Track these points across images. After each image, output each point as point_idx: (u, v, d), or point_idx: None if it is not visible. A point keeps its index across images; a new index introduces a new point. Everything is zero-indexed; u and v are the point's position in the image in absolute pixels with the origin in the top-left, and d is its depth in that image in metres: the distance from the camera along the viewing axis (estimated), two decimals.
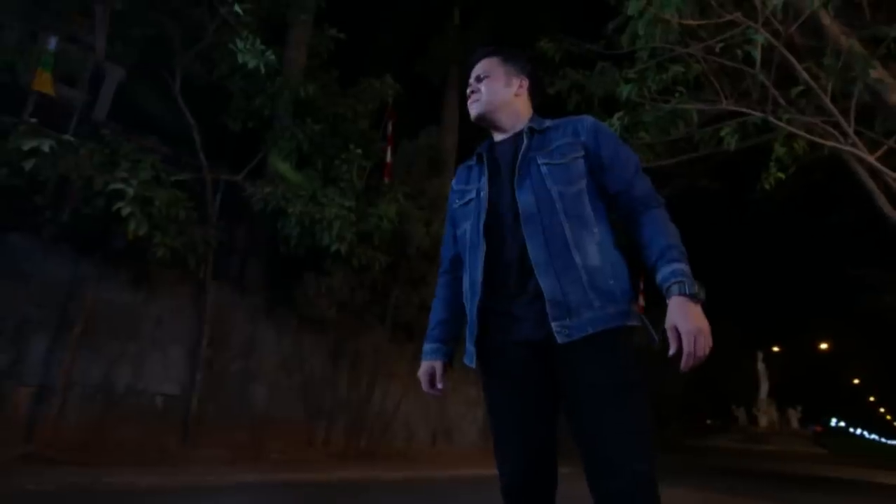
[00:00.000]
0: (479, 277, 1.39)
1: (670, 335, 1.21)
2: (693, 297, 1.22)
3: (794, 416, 32.45)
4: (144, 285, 5.90)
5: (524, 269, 1.33)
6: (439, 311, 1.57)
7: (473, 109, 1.55)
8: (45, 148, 4.24)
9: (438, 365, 1.52)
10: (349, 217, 6.14)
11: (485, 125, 1.58)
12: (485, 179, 1.46)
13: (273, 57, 5.49)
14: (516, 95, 1.54)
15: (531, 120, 1.52)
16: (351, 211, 6.22)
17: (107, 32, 5.81)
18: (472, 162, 1.57)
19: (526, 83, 1.56)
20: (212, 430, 6.15)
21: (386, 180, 7.73)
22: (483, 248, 1.40)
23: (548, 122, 1.50)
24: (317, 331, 7.43)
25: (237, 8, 5.12)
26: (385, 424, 8.07)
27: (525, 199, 1.37)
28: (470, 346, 1.43)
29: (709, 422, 33.55)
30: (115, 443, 5.33)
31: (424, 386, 1.52)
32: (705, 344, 1.19)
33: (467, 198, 1.52)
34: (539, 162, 1.41)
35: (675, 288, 1.23)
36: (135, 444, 5.45)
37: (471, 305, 1.42)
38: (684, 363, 1.19)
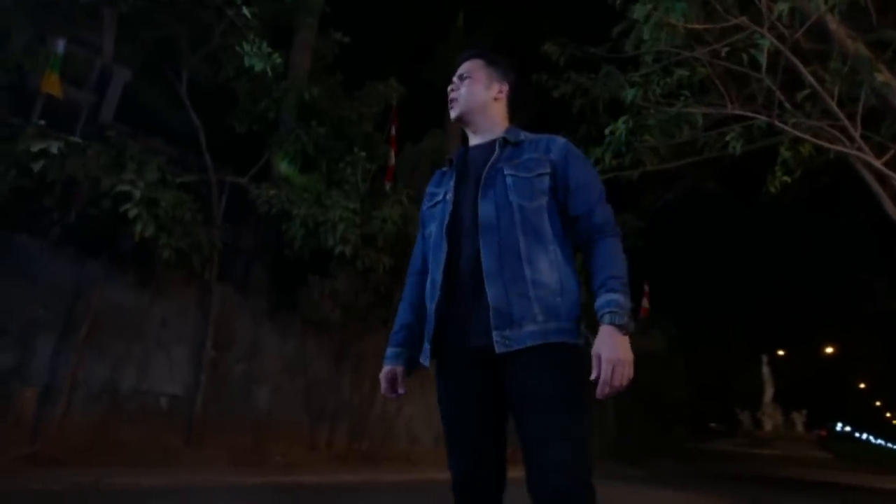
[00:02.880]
0: (440, 278, 1.42)
1: (594, 362, 1.25)
2: (621, 328, 1.27)
3: (798, 420, 32.26)
4: (150, 287, 5.93)
5: (478, 277, 1.36)
6: (404, 315, 1.59)
7: (453, 111, 1.59)
8: (54, 150, 4.28)
9: (399, 370, 1.55)
10: (353, 219, 6.16)
11: (462, 125, 1.62)
12: (452, 184, 1.51)
13: (280, 60, 5.52)
14: (495, 99, 1.58)
15: (507, 130, 1.54)
16: (355, 213, 6.24)
17: (114, 35, 5.85)
18: (446, 168, 1.62)
19: (506, 89, 1.60)
20: (215, 432, 6.16)
21: (387, 183, 7.75)
22: (445, 249, 1.43)
23: (523, 136, 1.53)
24: (320, 333, 7.44)
25: (245, 11, 5.14)
26: (388, 427, 8.07)
27: (485, 210, 1.40)
28: (426, 344, 1.47)
29: (713, 426, 33.38)
30: (120, 443, 5.35)
31: (384, 389, 1.56)
32: (623, 374, 1.23)
33: (435, 200, 1.56)
34: (505, 172, 1.44)
35: (606, 317, 1.28)
36: (138, 444, 5.47)
37: (430, 305, 1.46)
38: (599, 390, 1.24)
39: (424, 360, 1.48)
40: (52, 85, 5.49)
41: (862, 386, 39.52)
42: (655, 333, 12.96)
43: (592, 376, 1.25)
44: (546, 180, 1.43)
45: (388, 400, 8.06)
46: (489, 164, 1.47)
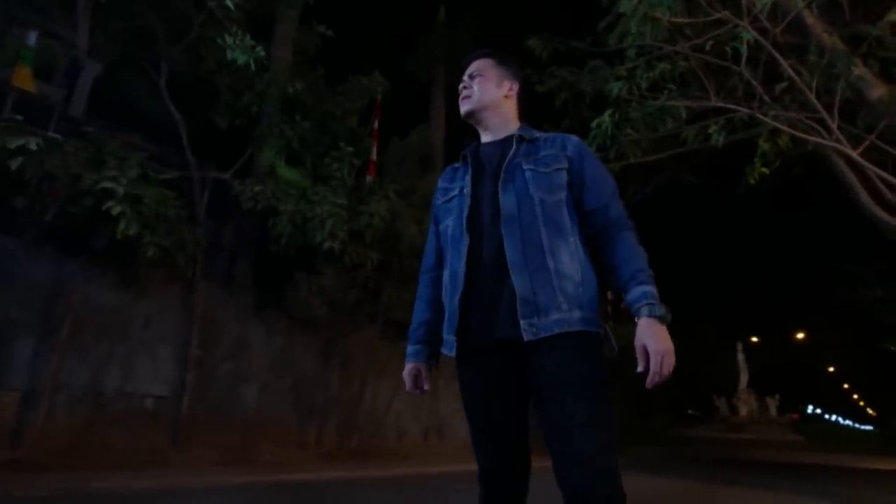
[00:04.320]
0: (462, 270, 1.43)
1: (639, 354, 1.29)
2: (661, 319, 1.31)
3: (772, 404, 33.32)
4: (132, 286, 5.79)
5: (500, 268, 1.38)
6: (423, 311, 1.60)
7: (464, 106, 1.60)
8: (33, 146, 4.12)
9: (423, 366, 1.57)
10: (341, 214, 6.10)
11: (472, 122, 1.63)
12: (468, 178, 1.52)
13: (263, 53, 5.41)
14: (506, 97, 1.60)
15: (521, 128, 1.58)
16: (343, 208, 6.19)
17: (88, 26, 5.65)
18: (458, 164, 1.63)
19: (517, 87, 1.62)
20: (202, 432, 6.07)
21: (370, 178, 7.69)
22: (466, 241, 1.44)
23: (537, 134, 1.56)
24: (307, 330, 7.37)
25: (228, 1, 5.01)
26: (377, 423, 8.05)
27: (507, 201, 1.42)
28: (449, 336, 1.47)
29: (691, 412, 34.25)
30: (105, 446, 5.23)
31: (409, 387, 1.57)
32: (670, 363, 1.28)
33: (450, 195, 1.57)
34: (524, 167, 1.47)
35: (644, 310, 1.31)
36: (124, 447, 5.36)
37: (451, 297, 1.46)
38: (650, 381, 1.28)
39: (449, 350, 1.49)
40: (23, 79, 5.29)
41: (831, 370, 40.99)
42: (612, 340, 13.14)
43: (640, 368, 1.28)
44: (563, 175, 1.47)
45: (376, 396, 8.05)
46: (507, 159, 1.49)
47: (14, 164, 4.09)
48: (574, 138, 1.55)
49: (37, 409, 4.90)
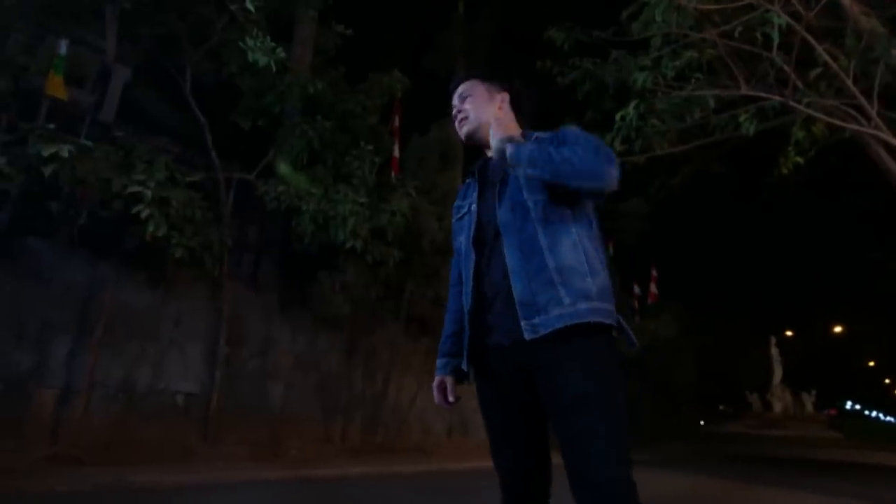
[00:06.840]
0: (471, 287, 1.46)
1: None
2: (504, 145, 1.39)
3: (808, 400, 32.32)
4: (161, 286, 5.94)
5: (503, 279, 1.39)
6: (448, 324, 1.64)
7: (463, 128, 1.59)
8: (65, 153, 4.25)
9: (449, 379, 1.58)
10: (363, 213, 6.13)
11: (473, 144, 1.61)
12: (475, 195, 1.55)
13: (284, 54, 5.46)
14: (500, 109, 1.58)
15: (523, 135, 1.54)
16: (365, 207, 6.21)
17: (116, 33, 5.79)
18: (469, 179, 1.64)
19: (507, 97, 1.60)
20: (231, 428, 6.21)
21: (394, 175, 7.70)
22: (473, 258, 1.47)
23: (535, 134, 1.52)
24: (331, 328, 7.46)
25: (249, 4, 5.06)
26: (401, 419, 8.10)
27: (503, 212, 1.43)
28: (464, 350, 1.50)
29: (722, 408, 33.45)
30: (138, 441, 5.39)
31: (437, 399, 1.58)
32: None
33: (461, 213, 1.60)
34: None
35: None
36: (157, 442, 5.52)
37: (465, 313, 1.50)
38: None
39: (463, 364, 1.50)
40: (56, 88, 5.43)
41: (871, 364, 39.49)
42: (665, 318, 12.93)
43: None
44: None
45: (400, 392, 8.09)
46: (506, 170, 1.48)
47: (47, 170, 4.23)
48: (569, 127, 1.49)
49: (73, 405, 5.08)
